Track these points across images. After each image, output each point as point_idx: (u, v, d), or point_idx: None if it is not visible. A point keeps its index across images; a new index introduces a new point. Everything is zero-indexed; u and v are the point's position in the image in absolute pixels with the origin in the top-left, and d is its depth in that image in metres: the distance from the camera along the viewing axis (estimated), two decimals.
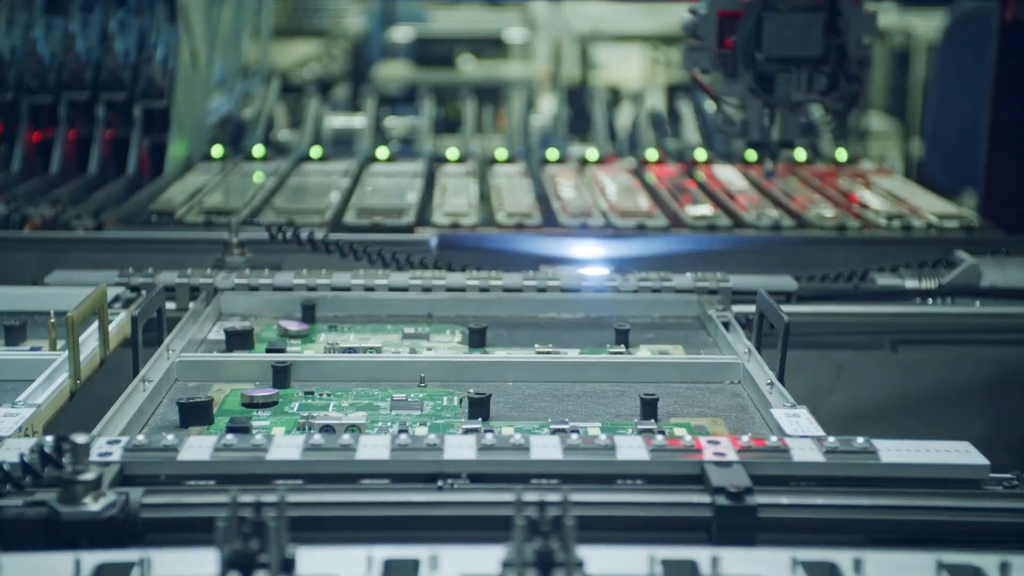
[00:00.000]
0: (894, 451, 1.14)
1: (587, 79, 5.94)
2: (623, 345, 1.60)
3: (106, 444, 1.12)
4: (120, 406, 1.31)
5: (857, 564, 0.94)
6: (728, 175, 2.96)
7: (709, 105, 3.65)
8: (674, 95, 3.94)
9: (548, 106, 4.46)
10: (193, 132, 3.16)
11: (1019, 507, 1.08)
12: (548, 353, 1.56)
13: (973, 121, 3.26)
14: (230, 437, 1.14)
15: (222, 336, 1.60)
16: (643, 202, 2.65)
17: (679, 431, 1.31)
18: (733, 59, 2.09)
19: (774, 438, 1.16)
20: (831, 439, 1.15)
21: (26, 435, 1.25)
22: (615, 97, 4.15)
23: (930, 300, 1.95)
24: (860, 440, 1.15)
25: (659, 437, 1.16)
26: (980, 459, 1.14)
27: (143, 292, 1.76)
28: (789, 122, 2.15)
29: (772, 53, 2.03)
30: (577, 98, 4.09)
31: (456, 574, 0.92)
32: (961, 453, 1.15)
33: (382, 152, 3.22)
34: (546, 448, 1.13)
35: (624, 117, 3.95)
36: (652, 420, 1.34)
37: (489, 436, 1.15)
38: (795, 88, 2.05)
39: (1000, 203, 2.93)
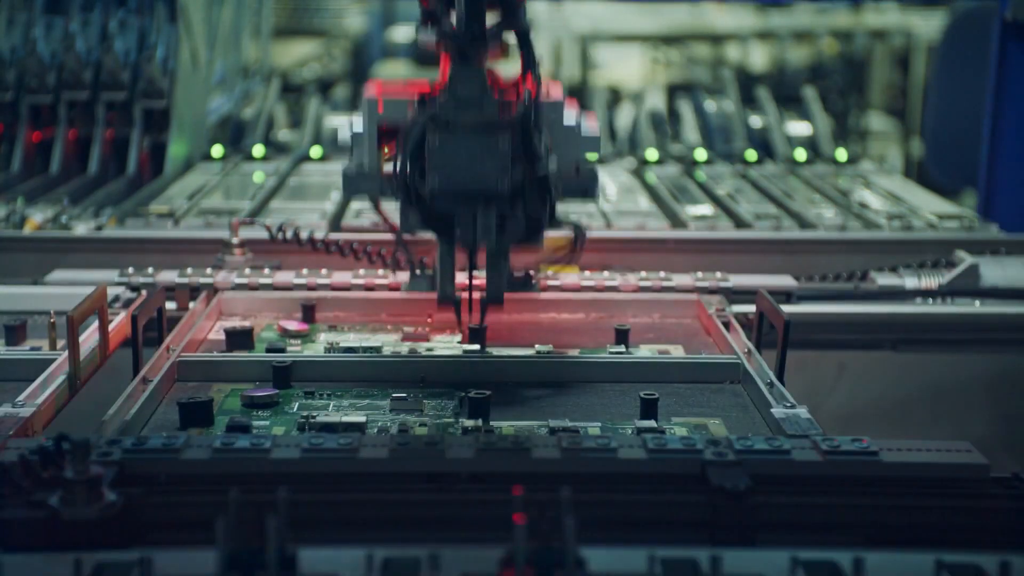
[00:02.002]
0: (894, 451, 1.14)
1: (587, 79, 5.95)
2: (623, 345, 1.60)
3: (106, 444, 1.12)
4: (120, 406, 1.31)
5: (857, 564, 0.94)
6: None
7: (709, 104, 3.65)
8: (674, 95, 3.94)
9: None
10: (193, 132, 3.16)
11: (1019, 507, 1.08)
12: (548, 353, 1.56)
13: (973, 121, 3.26)
14: (230, 437, 1.14)
15: (222, 336, 1.60)
16: (643, 202, 2.65)
17: (679, 431, 1.31)
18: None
19: (774, 438, 1.15)
20: (831, 439, 1.15)
21: (26, 435, 1.25)
22: (615, 97, 4.15)
23: (930, 300, 1.95)
24: (860, 440, 1.15)
25: (659, 437, 1.16)
26: (980, 459, 1.14)
27: (143, 292, 1.76)
28: (492, 276, 1.52)
29: (440, 186, 1.38)
30: (577, 98, 4.09)
31: (456, 574, 0.92)
32: (961, 453, 1.15)
33: None
34: (546, 448, 1.13)
35: (624, 117, 3.95)
36: (652, 420, 1.34)
37: (489, 436, 1.15)
38: (482, 232, 1.41)
39: (1000, 203, 2.93)
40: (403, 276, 1.78)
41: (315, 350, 1.59)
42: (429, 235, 1.48)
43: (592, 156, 1.49)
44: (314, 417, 1.33)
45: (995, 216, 2.70)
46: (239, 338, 1.58)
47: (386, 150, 1.48)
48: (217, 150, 3.19)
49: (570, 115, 1.48)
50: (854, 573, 0.93)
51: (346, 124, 1.50)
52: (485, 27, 1.39)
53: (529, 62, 1.41)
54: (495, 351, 1.59)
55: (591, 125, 1.50)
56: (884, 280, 1.98)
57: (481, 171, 1.38)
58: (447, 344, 1.63)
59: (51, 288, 1.82)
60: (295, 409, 1.38)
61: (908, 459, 1.13)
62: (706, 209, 2.56)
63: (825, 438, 1.17)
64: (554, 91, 1.48)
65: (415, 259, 1.68)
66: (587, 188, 1.49)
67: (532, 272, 1.66)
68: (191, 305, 1.72)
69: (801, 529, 1.06)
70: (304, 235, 1.94)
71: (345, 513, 1.05)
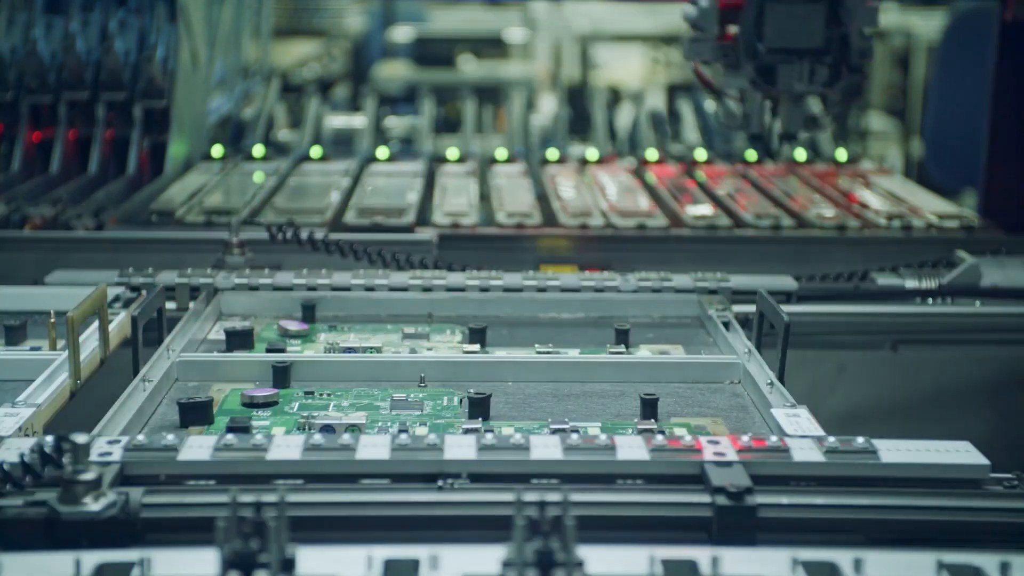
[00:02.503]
0: (894, 451, 1.14)
1: (587, 79, 5.95)
2: (623, 345, 1.60)
3: (106, 444, 1.12)
4: (120, 406, 1.31)
5: (857, 564, 0.94)
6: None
7: (709, 105, 3.65)
8: (674, 95, 3.94)
9: (548, 106, 4.46)
10: (193, 132, 3.16)
11: (1019, 507, 1.08)
12: (548, 353, 1.56)
13: (973, 121, 3.26)
14: (230, 437, 1.14)
15: (222, 336, 1.60)
16: (643, 202, 2.65)
17: (679, 431, 1.31)
18: (735, 50, 2.09)
19: (774, 438, 1.16)
20: (831, 439, 1.15)
21: (26, 435, 1.25)
22: (615, 97, 4.14)
23: (930, 300, 1.95)
24: (860, 440, 1.15)
25: (659, 437, 1.16)
26: (980, 459, 1.14)
27: (143, 292, 1.76)
28: (791, 115, 2.13)
29: (774, 44, 2.02)
30: (577, 98, 4.09)
31: (456, 574, 0.92)
32: (961, 453, 1.15)
33: (382, 152, 3.22)
34: (546, 448, 1.13)
35: (624, 117, 3.94)
36: (652, 420, 1.34)
37: (489, 436, 1.15)
38: (797, 79, 2.04)
39: (1000, 203, 2.93)
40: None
41: (315, 350, 1.59)
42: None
43: (870, 29, 2.07)
44: (314, 417, 1.33)
45: (995, 216, 2.70)
46: (239, 338, 1.59)
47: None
48: (217, 150, 3.18)
49: None
50: (854, 573, 0.93)
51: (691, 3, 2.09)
52: None
53: None
54: (495, 351, 1.59)
55: (871, 1, 2.09)
56: (884, 280, 1.98)
57: (804, 32, 2.00)
58: (447, 344, 1.63)
59: (51, 288, 1.82)
60: (295, 409, 1.38)
61: (908, 459, 1.13)
62: (706, 209, 2.56)
63: (825, 438, 1.17)
64: None
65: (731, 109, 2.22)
66: (866, 49, 2.08)
67: (819, 117, 2.20)
68: (191, 305, 1.72)
69: (801, 529, 1.06)
70: (304, 235, 1.94)
71: (345, 513, 1.05)
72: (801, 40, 2.03)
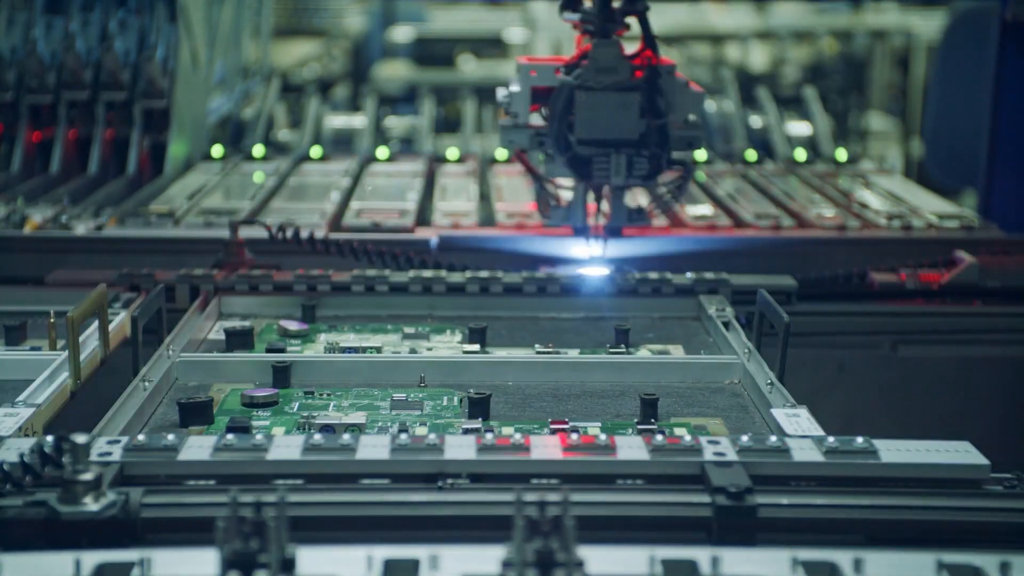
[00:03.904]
0: (894, 451, 1.14)
1: None
2: (623, 345, 1.60)
3: (106, 444, 1.12)
4: (120, 406, 1.31)
5: (857, 564, 0.94)
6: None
7: (709, 105, 3.65)
8: None
9: None
10: (193, 132, 3.16)
11: (1019, 507, 1.08)
12: (548, 353, 1.56)
13: (973, 121, 3.26)
14: (230, 437, 1.14)
15: (222, 336, 1.60)
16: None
17: (679, 431, 1.31)
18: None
19: (774, 438, 1.16)
20: (831, 439, 1.15)
21: (26, 435, 1.25)
22: None
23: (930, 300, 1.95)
24: (860, 440, 1.15)
25: (659, 437, 1.16)
26: (980, 459, 1.14)
27: (143, 292, 1.76)
28: (615, 208, 1.94)
29: (585, 135, 1.83)
30: None
31: (456, 574, 0.92)
32: (961, 453, 1.15)
33: (382, 152, 3.22)
34: (546, 448, 1.13)
35: None
36: (652, 420, 1.34)
37: (489, 436, 1.15)
38: (614, 172, 1.85)
39: (1000, 203, 2.93)
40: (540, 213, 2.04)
41: (315, 350, 1.59)
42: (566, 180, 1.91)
43: (694, 117, 1.88)
44: (314, 417, 1.33)
45: (995, 216, 2.70)
46: (239, 338, 1.58)
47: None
48: (217, 150, 3.18)
49: (680, 79, 1.86)
50: (854, 573, 0.93)
51: (503, 88, 1.92)
52: (614, 8, 1.83)
53: (648, 36, 1.84)
54: (495, 351, 1.59)
55: (695, 87, 1.89)
56: (884, 280, 1.98)
57: (617, 123, 1.81)
58: (447, 344, 1.63)
59: (51, 288, 1.82)
60: (295, 409, 1.38)
61: (908, 459, 1.13)
62: (706, 209, 2.56)
63: (825, 438, 1.17)
64: (664, 59, 1.86)
65: (554, 197, 1.96)
66: (693, 138, 1.89)
67: (646, 208, 1.98)
68: (191, 305, 1.72)
69: (801, 529, 1.06)
70: (304, 235, 1.94)
71: (345, 513, 1.05)
72: (614, 131, 1.83)
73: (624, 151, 1.83)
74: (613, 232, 1.95)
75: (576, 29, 1.88)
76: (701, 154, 3.21)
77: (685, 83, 1.87)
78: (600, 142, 1.82)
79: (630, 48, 1.86)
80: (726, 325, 1.65)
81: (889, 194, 2.78)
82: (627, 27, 1.86)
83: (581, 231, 1.93)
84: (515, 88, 1.89)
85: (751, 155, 3.21)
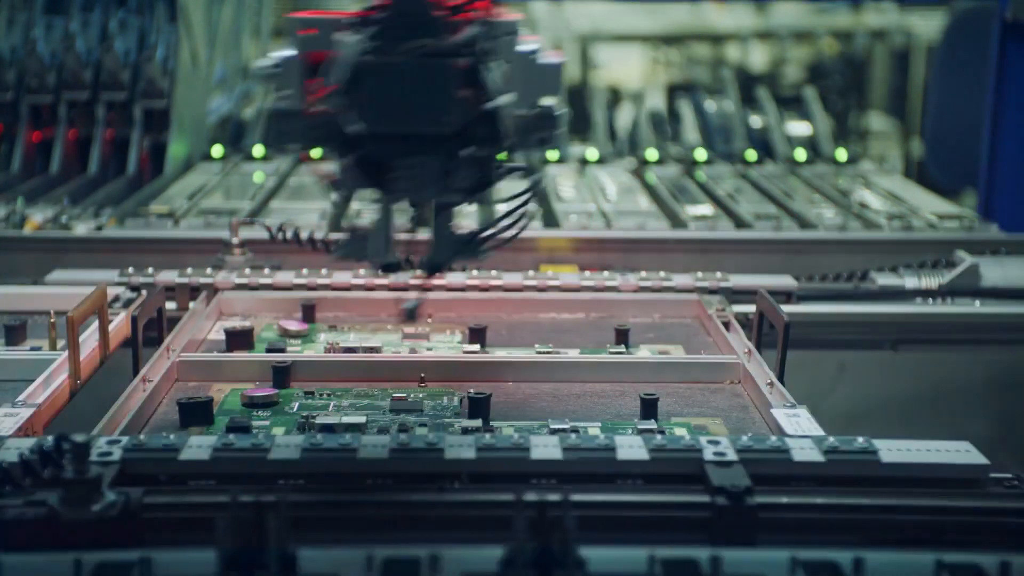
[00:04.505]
0: (894, 451, 1.14)
1: (587, 79, 5.94)
2: (623, 345, 1.60)
3: (106, 444, 1.12)
4: (120, 406, 1.31)
5: (857, 564, 0.94)
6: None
7: (710, 104, 3.65)
8: (674, 95, 3.94)
9: None
10: (193, 132, 3.16)
11: (1019, 507, 1.08)
12: (548, 353, 1.56)
13: (973, 121, 3.26)
14: (230, 437, 1.14)
15: (222, 336, 1.60)
16: (643, 202, 2.65)
17: (679, 431, 1.31)
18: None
19: (774, 438, 1.15)
20: (831, 439, 1.15)
21: (26, 435, 1.25)
22: (615, 97, 4.15)
23: (930, 300, 1.95)
24: (860, 440, 1.15)
25: (659, 437, 1.16)
26: (980, 459, 1.14)
27: (143, 292, 1.76)
28: (439, 234, 1.24)
29: (376, 126, 1.13)
30: (577, 98, 4.09)
31: (456, 574, 0.92)
32: (961, 453, 1.15)
33: None
34: (546, 448, 1.13)
35: (624, 117, 3.95)
36: (652, 420, 1.34)
37: (489, 436, 1.15)
38: (424, 184, 1.16)
39: (1000, 203, 2.93)
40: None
41: (315, 350, 1.59)
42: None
43: (554, 98, 1.21)
44: (314, 417, 1.33)
45: (995, 216, 2.70)
46: (239, 338, 1.58)
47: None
48: (217, 150, 3.19)
49: (527, 42, 1.21)
50: (854, 573, 0.93)
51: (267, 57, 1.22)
52: None
53: None
54: (495, 351, 1.59)
55: (554, 55, 1.23)
56: (884, 280, 1.98)
57: (424, 109, 1.12)
58: (447, 344, 1.63)
59: (51, 288, 1.82)
60: (295, 409, 1.38)
61: (908, 459, 1.13)
62: (706, 209, 2.56)
63: (825, 438, 1.17)
64: (510, 17, 1.21)
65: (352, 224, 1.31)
66: (545, 134, 1.21)
67: (481, 233, 1.25)
68: (191, 305, 1.72)
69: (801, 529, 1.06)
70: (304, 235, 1.94)
71: (345, 513, 1.05)
72: (418, 121, 1.13)
73: (438, 151, 1.15)
74: (432, 269, 1.26)
75: None
76: (701, 154, 3.21)
77: (534, 50, 1.21)
78: (399, 137, 1.14)
79: None
80: (726, 325, 1.66)
81: (889, 194, 2.78)
82: None
83: (387, 268, 1.27)
84: (285, 53, 1.21)
85: (751, 155, 3.22)
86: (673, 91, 4.07)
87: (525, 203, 1.23)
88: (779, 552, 0.95)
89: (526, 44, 1.21)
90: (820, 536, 1.05)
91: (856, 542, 1.05)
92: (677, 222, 2.47)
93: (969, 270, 1.96)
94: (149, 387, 1.38)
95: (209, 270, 1.82)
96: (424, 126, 1.13)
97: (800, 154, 3.26)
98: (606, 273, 1.86)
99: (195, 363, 1.50)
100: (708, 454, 1.12)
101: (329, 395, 1.43)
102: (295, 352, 1.56)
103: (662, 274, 1.83)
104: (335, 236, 1.28)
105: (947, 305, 1.94)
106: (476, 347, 1.59)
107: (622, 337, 1.61)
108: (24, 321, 1.62)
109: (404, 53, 1.11)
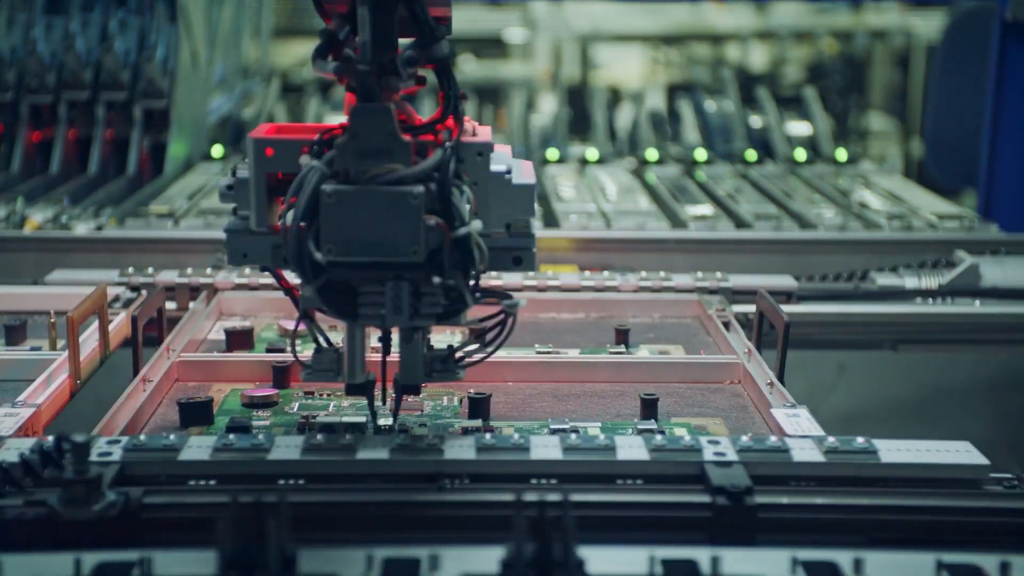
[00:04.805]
0: (894, 451, 1.14)
1: (587, 79, 5.94)
2: (623, 345, 1.60)
3: (106, 444, 1.12)
4: (120, 406, 1.31)
5: (857, 564, 0.94)
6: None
7: (709, 104, 3.65)
8: (674, 95, 3.94)
9: (548, 106, 4.45)
10: (193, 132, 3.16)
11: (1019, 507, 1.08)
12: (548, 353, 1.56)
13: (973, 121, 3.26)
14: (230, 437, 1.14)
15: (222, 336, 1.60)
16: (643, 202, 2.65)
17: (679, 431, 1.31)
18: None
19: (774, 438, 1.16)
20: (831, 439, 1.15)
21: (26, 435, 1.25)
22: (615, 97, 4.14)
23: (930, 300, 1.95)
24: (860, 440, 1.15)
25: (659, 437, 1.16)
26: (980, 459, 1.14)
27: (143, 292, 1.76)
28: (409, 357, 1.20)
29: (337, 254, 1.09)
30: (577, 98, 4.09)
31: (456, 574, 0.92)
32: (961, 453, 1.15)
33: None
34: (546, 448, 1.13)
35: (624, 117, 3.95)
36: (652, 420, 1.34)
37: (489, 436, 1.15)
38: (391, 311, 1.12)
39: (1000, 203, 2.93)
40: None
41: None
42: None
43: (525, 214, 1.19)
44: (314, 417, 1.33)
45: (995, 216, 2.70)
46: (239, 338, 1.58)
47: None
48: (217, 150, 3.18)
49: (500, 159, 1.18)
50: (854, 573, 0.93)
51: (227, 176, 1.23)
52: (395, 55, 1.12)
53: (449, 98, 1.14)
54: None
55: (525, 171, 1.21)
56: (884, 280, 1.98)
57: (388, 236, 1.08)
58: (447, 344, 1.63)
59: (51, 288, 1.82)
60: (295, 409, 1.38)
61: (908, 459, 1.13)
62: (706, 209, 2.56)
63: (825, 438, 1.17)
64: (481, 132, 1.20)
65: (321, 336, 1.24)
66: (520, 254, 1.21)
67: (456, 352, 1.23)
68: (191, 305, 1.72)
69: (801, 529, 1.06)
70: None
71: (345, 513, 1.05)
72: (383, 249, 1.09)
73: (405, 278, 1.11)
74: (408, 391, 1.23)
75: (343, 86, 1.16)
76: (701, 154, 3.21)
77: (506, 170, 1.17)
78: (362, 265, 1.10)
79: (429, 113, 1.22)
80: (726, 325, 1.66)
81: (889, 194, 2.78)
82: (419, 82, 1.17)
83: (358, 389, 1.21)
84: (243, 174, 1.19)
85: (751, 155, 3.21)
86: (673, 91, 4.06)
87: (502, 325, 1.21)
88: (779, 552, 0.95)
89: (498, 163, 1.17)
90: (820, 536, 1.05)
91: (856, 542, 1.05)
92: (677, 222, 2.47)
93: (969, 270, 1.96)
94: (149, 387, 1.38)
95: (209, 270, 1.82)
96: (390, 255, 1.09)
97: (800, 154, 3.26)
98: (606, 273, 1.86)
99: (195, 363, 1.50)
100: (708, 454, 1.12)
101: (329, 395, 1.43)
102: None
103: (662, 274, 1.83)
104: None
105: (947, 305, 1.94)
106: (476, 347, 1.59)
107: (622, 337, 1.61)
108: (24, 321, 1.62)
109: (368, 180, 1.08)
